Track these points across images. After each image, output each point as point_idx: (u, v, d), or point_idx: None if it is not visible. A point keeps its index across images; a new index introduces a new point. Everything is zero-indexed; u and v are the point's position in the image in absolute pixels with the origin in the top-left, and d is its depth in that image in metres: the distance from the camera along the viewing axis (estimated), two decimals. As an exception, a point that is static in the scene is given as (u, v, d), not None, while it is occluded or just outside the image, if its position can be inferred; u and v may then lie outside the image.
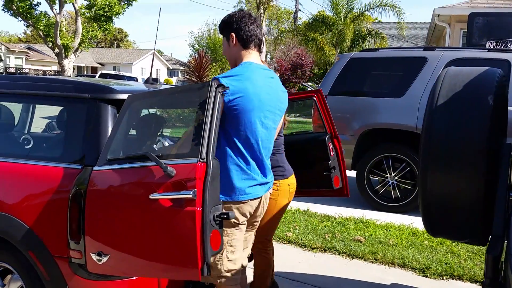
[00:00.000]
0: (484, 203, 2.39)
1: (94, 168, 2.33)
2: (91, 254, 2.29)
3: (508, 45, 7.44)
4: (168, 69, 57.16)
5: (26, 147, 2.91)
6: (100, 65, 50.21)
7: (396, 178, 6.05)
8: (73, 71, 30.76)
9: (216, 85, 2.17)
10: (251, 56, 2.51)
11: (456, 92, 2.61)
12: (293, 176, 3.13)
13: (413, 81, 6.03)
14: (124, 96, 2.54)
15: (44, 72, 39.78)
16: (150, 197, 2.07)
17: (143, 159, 2.16)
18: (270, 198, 3.03)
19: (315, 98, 3.49)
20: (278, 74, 24.35)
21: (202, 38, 46.62)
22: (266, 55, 31.94)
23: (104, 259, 2.26)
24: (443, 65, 5.94)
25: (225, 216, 2.06)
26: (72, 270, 2.44)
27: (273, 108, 2.52)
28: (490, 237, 2.24)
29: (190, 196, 1.99)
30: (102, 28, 27.03)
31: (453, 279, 4.10)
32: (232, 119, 2.33)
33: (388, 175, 6.09)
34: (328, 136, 3.49)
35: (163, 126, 3.32)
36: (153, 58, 3.32)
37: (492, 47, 7.34)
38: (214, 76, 2.53)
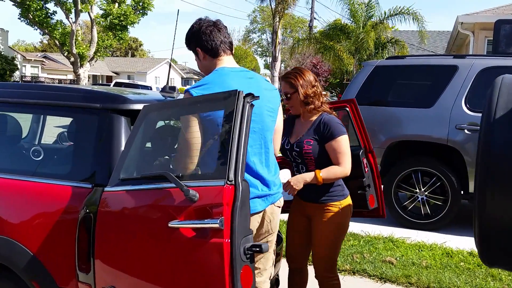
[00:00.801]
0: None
1: (105, 189, 2.04)
2: (101, 289, 1.99)
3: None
4: (182, 78, 57.30)
5: (31, 162, 2.63)
6: (115, 74, 50.45)
7: (426, 193, 5.69)
8: (88, 80, 30.84)
9: (244, 94, 1.88)
10: (223, 62, 2.37)
11: None
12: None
13: (443, 90, 5.68)
14: (139, 107, 2.26)
15: (60, 81, 39.99)
16: (169, 225, 1.77)
17: (161, 180, 1.86)
18: (329, 221, 2.78)
19: (347, 109, 3.17)
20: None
21: (217, 47, 46.57)
22: (281, 64, 31.77)
23: (116, 295, 1.96)
24: (474, 73, 5.61)
25: (258, 249, 1.74)
26: (81, 305, 2.15)
27: (259, 110, 2.26)
28: None
29: (216, 225, 1.68)
30: (117, 37, 27.04)
31: (497, 307, 3.73)
32: (209, 130, 2.05)
33: (417, 190, 5.72)
34: (362, 151, 3.17)
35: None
36: (170, 64, 3.04)
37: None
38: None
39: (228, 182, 1.73)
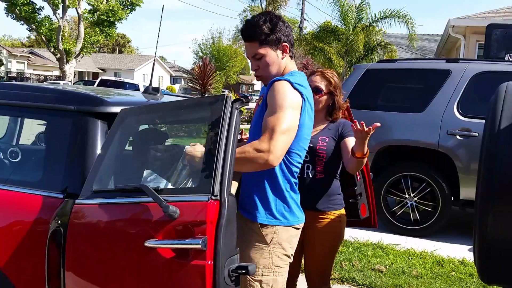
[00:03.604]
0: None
1: (77, 201, 1.86)
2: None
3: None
4: (170, 76, 56.78)
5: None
6: (101, 71, 49.77)
7: (415, 199, 5.57)
8: (74, 76, 30.39)
9: (232, 100, 1.71)
10: (294, 65, 2.14)
11: None
12: None
13: (435, 95, 5.57)
14: (118, 110, 2.08)
15: (46, 77, 39.36)
16: (146, 244, 1.60)
17: (137, 193, 1.69)
18: (327, 230, 2.67)
19: (340, 114, 3.01)
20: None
21: (206, 45, 46.29)
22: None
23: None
24: (468, 78, 5.50)
25: (244, 271, 1.58)
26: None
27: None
28: None
29: (198, 246, 1.51)
30: (105, 33, 26.69)
31: (490, 319, 3.61)
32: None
33: (407, 196, 5.61)
34: (355, 159, 3.01)
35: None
36: (153, 64, 2.85)
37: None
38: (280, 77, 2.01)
39: (212, 197, 1.57)
